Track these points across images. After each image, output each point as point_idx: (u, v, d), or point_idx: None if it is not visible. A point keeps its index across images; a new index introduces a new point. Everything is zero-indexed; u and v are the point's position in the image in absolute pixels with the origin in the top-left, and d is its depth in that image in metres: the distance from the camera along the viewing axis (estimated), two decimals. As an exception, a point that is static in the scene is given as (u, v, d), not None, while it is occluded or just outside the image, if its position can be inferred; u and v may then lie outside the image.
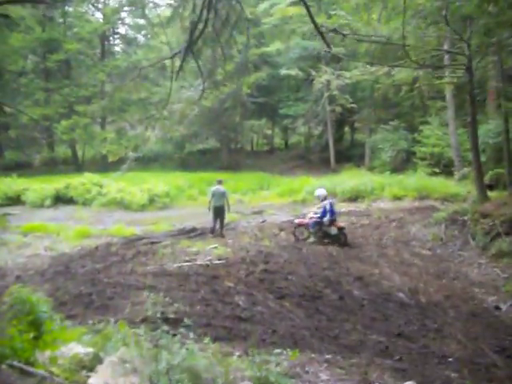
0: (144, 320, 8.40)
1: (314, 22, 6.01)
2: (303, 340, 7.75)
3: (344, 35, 12.98)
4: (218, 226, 16.12)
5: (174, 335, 7.10)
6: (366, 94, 31.90)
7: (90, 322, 8.33)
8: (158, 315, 8.66)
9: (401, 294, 10.17)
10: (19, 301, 5.66)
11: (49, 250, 14.91)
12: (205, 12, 5.17)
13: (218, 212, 16.02)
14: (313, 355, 6.98)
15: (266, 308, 9.31)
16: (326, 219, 14.69)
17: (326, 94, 29.91)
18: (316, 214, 15.08)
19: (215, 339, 7.70)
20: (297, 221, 16.04)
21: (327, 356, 7.00)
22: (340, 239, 14.73)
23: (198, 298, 9.79)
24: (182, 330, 7.07)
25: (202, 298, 9.84)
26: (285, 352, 6.67)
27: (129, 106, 40.42)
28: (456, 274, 11.76)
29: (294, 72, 28.66)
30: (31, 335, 5.13)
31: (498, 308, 9.75)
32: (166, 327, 6.67)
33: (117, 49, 50.35)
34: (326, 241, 14.68)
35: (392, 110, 31.65)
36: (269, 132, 45.23)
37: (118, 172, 10.35)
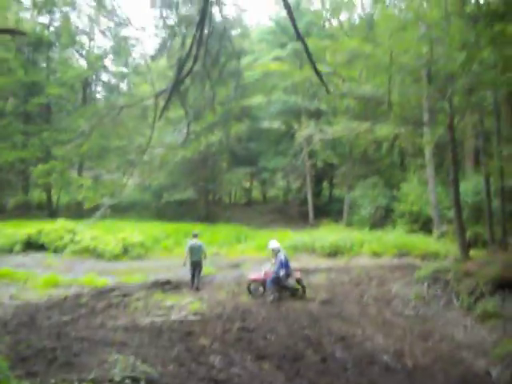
0: (111, 381, 7.75)
1: (312, 61, 5.74)
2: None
3: (328, 91, 12.88)
4: (195, 278, 15.64)
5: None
6: (345, 150, 32.05)
7: (52, 381, 7.67)
8: (127, 376, 8.08)
9: (386, 357, 9.67)
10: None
11: (14, 299, 14.10)
12: (194, 48, 4.85)
13: (196, 266, 15.70)
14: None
15: (243, 370, 8.72)
16: (283, 273, 14.24)
17: (305, 149, 30.04)
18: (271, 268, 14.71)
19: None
20: (252, 276, 15.28)
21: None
22: (298, 291, 14.50)
23: (170, 357, 9.16)
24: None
25: (176, 356, 9.21)
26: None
27: (107, 153, 40.00)
28: (442, 335, 11.28)
29: (275, 125, 28.73)
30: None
31: (488, 373, 9.27)
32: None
33: (99, 96, 50.41)
34: (285, 294, 14.40)
35: (371, 167, 31.77)
36: (247, 184, 45.10)
37: (91, 219, 9.81)
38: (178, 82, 5.18)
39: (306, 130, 17.37)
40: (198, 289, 15.42)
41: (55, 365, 8.71)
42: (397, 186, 28.36)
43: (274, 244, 15.17)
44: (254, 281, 14.91)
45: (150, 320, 11.67)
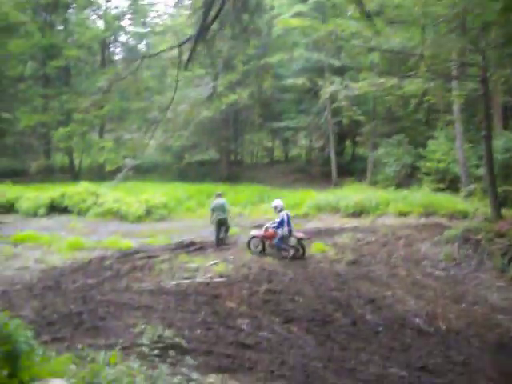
0: (138, 346, 7.59)
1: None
2: (316, 373, 6.96)
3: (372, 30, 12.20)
4: (221, 235, 15.94)
5: (172, 364, 6.34)
6: (369, 108, 31.26)
7: (79, 346, 7.54)
8: (154, 340, 7.92)
9: (418, 320, 9.37)
10: (-6, 329, 4.87)
11: (39, 263, 14.06)
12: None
13: (222, 223, 15.87)
14: (329, 392, 6.19)
15: (272, 333, 8.51)
16: (285, 230, 14.19)
17: (329, 107, 29.36)
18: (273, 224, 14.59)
19: (218, 369, 6.93)
20: (255, 233, 15.22)
21: (345, 393, 6.22)
22: (298, 250, 14.37)
23: (197, 321, 8.99)
24: (180, 357, 6.33)
25: (202, 320, 9.04)
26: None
27: (128, 114, 39.77)
28: (475, 297, 10.92)
29: (300, 81, 27.99)
30: (5, 373, 4.33)
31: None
32: (162, 358, 5.93)
33: (117, 58, 49.83)
34: (284, 253, 14.29)
35: (396, 124, 30.96)
36: (269, 144, 44.59)
37: (113, 181, 9.54)
38: (204, 28, 4.76)
39: (331, 86, 16.71)
40: (225, 244, 15.75)
41: (81, 329, 8.61)
42: (422, 144, 27.62)
43: (276, 202, 15.17)
44: (254, 237, 14.91)
45: (176, 282, 11.52)
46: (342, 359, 7.53)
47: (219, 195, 16.34)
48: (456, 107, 23.22)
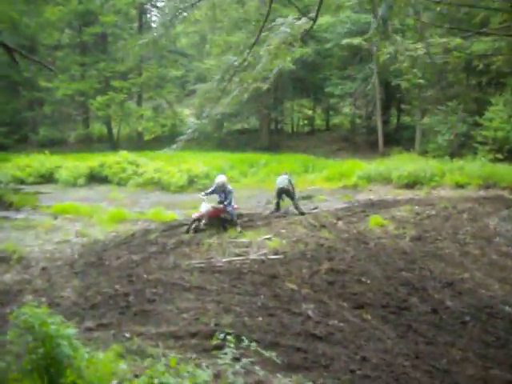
0: (194, 335, 6.68)
1: None
2: (405, 374, 5.92)
3: None
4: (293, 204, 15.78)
5: (235, 360, 5.35)
6: (424, 71, 29.41)
7: (127, 335, 6.67)
8: (211, 328, 7.00)
9: (508, 309, 8.22)
10: (30, 330, 3.95)
11: (80, 236, 13.31)
12: None
13: (281, 192, 15.62)
14: (427, 401, 5.15)
15: (343, 322, 7.48)
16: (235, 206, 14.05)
17: (376, 71, 27.75)
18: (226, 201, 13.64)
19: (288, 366, 5.95)
20: (194, 216, 13.81)
21: (447, 403, 5.17)
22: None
23: (257, 305, 8.01)
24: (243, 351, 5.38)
25: (263, 304, 8.05)
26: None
27: (166, 83, 38.88)
28: None
29: (356, 41, 26.36)
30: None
31: None
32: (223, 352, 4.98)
33: (154, 24, 48.70)
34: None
35: (449, 90, 29.12)
36: (310, 113, 43.14)
37: (165, 149, 8.57)
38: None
39: (387, 48, 15.32)
40: (302, 213, 15.29)
41: (128, 314, 7.73)
42: (477, 112, 25.90)
43: (222, 178, 14.29)
44: (197, 220, 13.56)
45: (228, 260, 10.56)
46: (431, 356, 6.48)
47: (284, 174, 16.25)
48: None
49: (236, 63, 6.08)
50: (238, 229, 13.20)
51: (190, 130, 8.11)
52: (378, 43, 17.47)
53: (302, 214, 15.31)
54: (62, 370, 3.92)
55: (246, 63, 6.03)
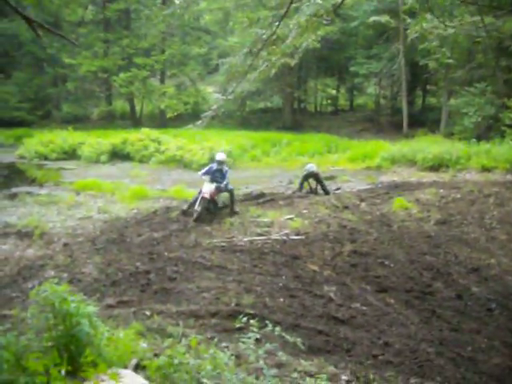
0: (214, 315, 6.62)
1: None
2: (429, 361, 5.78)
3: None
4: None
5: (257, 341, 5.25)
6: (446, 52, 28.77)
7: (148, 313, 6.64)
8: (232, 308, 6.94)
9: (536, 296, 8.02)
10: (50, 307, 3.90)
11: (102, 213, 13.33)
12: None
13: (311, 175, 15.65)
14: (452, 390, 5.02)
15: (366, 305, 7.36)
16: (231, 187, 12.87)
17: (402, 51, 27.21)
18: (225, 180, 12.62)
19: (309, 349, 5.85)
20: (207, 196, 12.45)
21: (472, 392, 5.04)
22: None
23: (278, 286, 7.92)
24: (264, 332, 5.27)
25: (284, 285, 7.96)
26: (412, 382, 4.79)
27: (189, 60, 38.64)
28: None
29: (383, 19, 25.81)
30: (62, 372, 3.34)
31: None
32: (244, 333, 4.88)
33: (177, 1, 48.32)
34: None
35: (477, 71, 28.43)
36: (333, 92, 42.64)
37: (190, 125, 8.42)
38: None
39: (418, 25, 14.84)
40: (328, 193, 15.46)
41: (149, 291, 7.71)
42: (507, 94, 25.22)
43: (222, 155, 13.23)
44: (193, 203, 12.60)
45: (249, 239, 10.48)
46: (456, 344, 6.32)
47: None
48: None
49: (264, 36, 5.88)
50: (237, 209, 12.76)
51: (214, 106, 7.96)
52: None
53: (328, 193, 15.40)
54: (81, 347, 3.86)
55: (274, 36, 5.84)
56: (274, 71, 6.63)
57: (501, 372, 5.70)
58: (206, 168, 12.93)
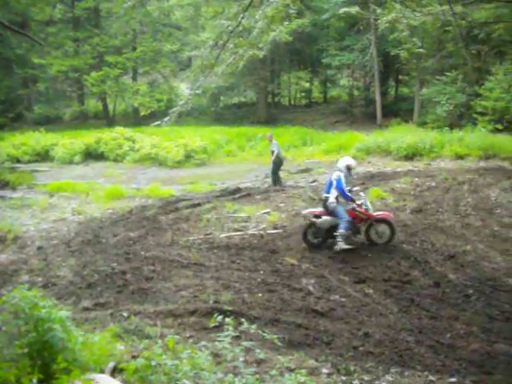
0: (192, 313, 6.56)
1: None
2: (409, 350, 5.80)
3: None
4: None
5: (236, 338, 5.21)
6: (417, 42, 28.91)
7: (125, 314, 6.55)
8: (210, 306, 6.88)
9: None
10: (22, 312, 3.80)
11: (77, 214, 13.16)
12: None
13: (281, 165, 15.81)
14: (432, 378, 5.03)
15: (345, 297, 7.37)
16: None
17: (374, 42, 27.33)
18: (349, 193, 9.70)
19: (289, 344, 5.83)
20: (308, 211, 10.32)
21: (452, 380, 5.05)
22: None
23: (257, 281, 7.89)
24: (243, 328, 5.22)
25: (263, 280, 7.93)
26: (392, 371, 4.79)
27: (160, 57, 38.32)
28: None
29: (353, 10, 25.88)
30: (34, 381, 3.25)
31: None
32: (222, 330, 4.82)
33: (148, -2, 47.85)
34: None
35: (447, 60, 28.67)
36: (307, 85, 42.67)
37: (157, 122, 8.30)
38: None
39: (386, 16, 14.86)
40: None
41: (126, 292, 7.62)
42: (478, 82, 25.51)
43: (351, 160, 10.50)
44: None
45: (226, 235, 10.43)
46: (435, 331, 6.35)
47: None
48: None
49: (230, 28, 5.80)
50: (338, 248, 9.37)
51: (182, 102, 7.87)
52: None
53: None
54: (55, 353, 3.77)
55: (240, 28, 5.76)
56: (242, 64, 6.55)
57: (479, 357, 5.73)
58: (340, 183, 9.57)
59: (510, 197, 13.30)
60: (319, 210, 9.99)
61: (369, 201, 10.23)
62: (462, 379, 5.07)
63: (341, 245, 9.25)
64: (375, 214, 9.81)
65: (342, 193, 9.43)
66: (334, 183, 9.55)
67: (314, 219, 9.67)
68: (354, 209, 9.50)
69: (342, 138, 24.93)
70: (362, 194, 10.25)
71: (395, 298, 7.33)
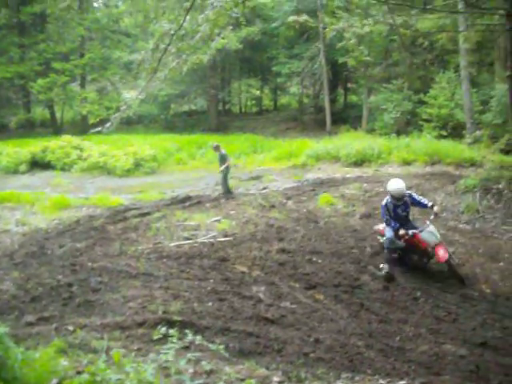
0: (141, 325, 6.39)
1: None
2: (359, 355, 5.81)
3: None
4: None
5: (185, 349, 5.11)
6: (364, 50, 29.50)
7: (70, 328, 6.33)
8: (159, 316, 6.73)
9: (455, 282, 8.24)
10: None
11: (21, 225, 12.70)
12: None
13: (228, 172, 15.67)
14: (382, 381, 5.04)
15: (295, 303, 7.34)
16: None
17: (323, 50, 27.73)
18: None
19: (239, 353, 5.75)
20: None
21: (402, 382, 5.07)
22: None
23: (207, 290, 7.77)
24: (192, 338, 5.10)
25: (212, 289, 7.82)
26: (343, 376, 4.79)
27: (109, 64, 37.79)
28: (512, 254, 9.82)
29: (301, 19, 26.16)
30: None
31: None
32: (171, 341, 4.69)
33: (96, 4, 47.14)
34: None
35: (393, 68, 29.37)
36: (257, 93, 42.90)
37: (98, 128, 8.10)
38: None
39: (335, 25, 15.11)
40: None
41: (72, 305, 7.36)
42: (423, 90, 26.22)
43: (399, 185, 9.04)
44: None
45: (176, 244, 10.28)
46: (385, 335, 6.40)
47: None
48: (463, 49, 21.64)
49: (172, 31, 5.70)
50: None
51: (123, 107, 7.71)
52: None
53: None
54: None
55: (183, 32, 5.67)
56: (186, 68, 6.46)
57: (428, 359, 5.81)
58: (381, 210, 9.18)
59: (455, 200, 13.64)
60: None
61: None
62: (411, 381, 5.10)
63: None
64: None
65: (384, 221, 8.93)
66: None
67: None
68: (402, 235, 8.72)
69: (293, 145, 25.07)
70: (427, 221, 9.44)
71: (345, 303, 7.37)
